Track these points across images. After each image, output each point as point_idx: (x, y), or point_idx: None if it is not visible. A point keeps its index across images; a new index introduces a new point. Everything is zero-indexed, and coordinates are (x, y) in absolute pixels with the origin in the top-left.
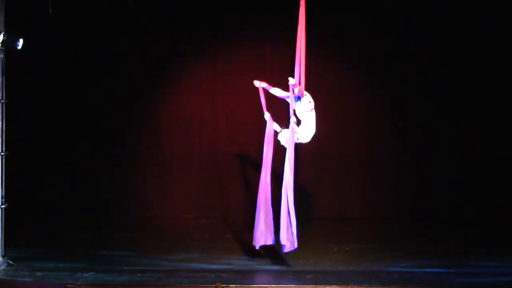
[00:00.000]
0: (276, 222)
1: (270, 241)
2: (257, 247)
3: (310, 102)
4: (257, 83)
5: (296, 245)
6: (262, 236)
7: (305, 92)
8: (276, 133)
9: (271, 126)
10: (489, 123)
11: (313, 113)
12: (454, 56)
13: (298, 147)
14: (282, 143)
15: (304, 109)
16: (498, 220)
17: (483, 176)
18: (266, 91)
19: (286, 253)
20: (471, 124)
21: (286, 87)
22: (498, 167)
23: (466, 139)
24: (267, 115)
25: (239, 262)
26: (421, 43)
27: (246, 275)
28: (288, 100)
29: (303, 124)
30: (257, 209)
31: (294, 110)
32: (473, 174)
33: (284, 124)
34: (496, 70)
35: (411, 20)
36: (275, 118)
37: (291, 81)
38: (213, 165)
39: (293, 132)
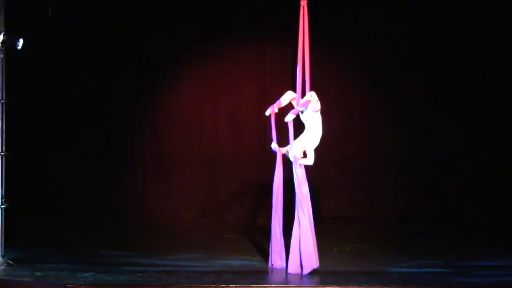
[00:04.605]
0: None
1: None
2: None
3: (317, 100)
4: (268, 111)
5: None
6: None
7: (309, 94)
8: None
9: (280, 157)
10: (489, 123)
11: (319, 115)
12: (455, 58)
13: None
14: (298, 156)
15: (312, 110)
16: (498, 220)
17: (483, 176)
18: (276, 119)
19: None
20: (471, 125)
21: (286, 86)
22: (498, 167)
23: (466, 140)
24: (274, 145)
25: (239, 262)
26: (422, 45)
27: (246, 275)
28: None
29: (311, 129)
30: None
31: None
32: (473, 174)
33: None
34: (496, 71)
35: (413, 23)
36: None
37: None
38: (213, 165)
39: (296, 162)
